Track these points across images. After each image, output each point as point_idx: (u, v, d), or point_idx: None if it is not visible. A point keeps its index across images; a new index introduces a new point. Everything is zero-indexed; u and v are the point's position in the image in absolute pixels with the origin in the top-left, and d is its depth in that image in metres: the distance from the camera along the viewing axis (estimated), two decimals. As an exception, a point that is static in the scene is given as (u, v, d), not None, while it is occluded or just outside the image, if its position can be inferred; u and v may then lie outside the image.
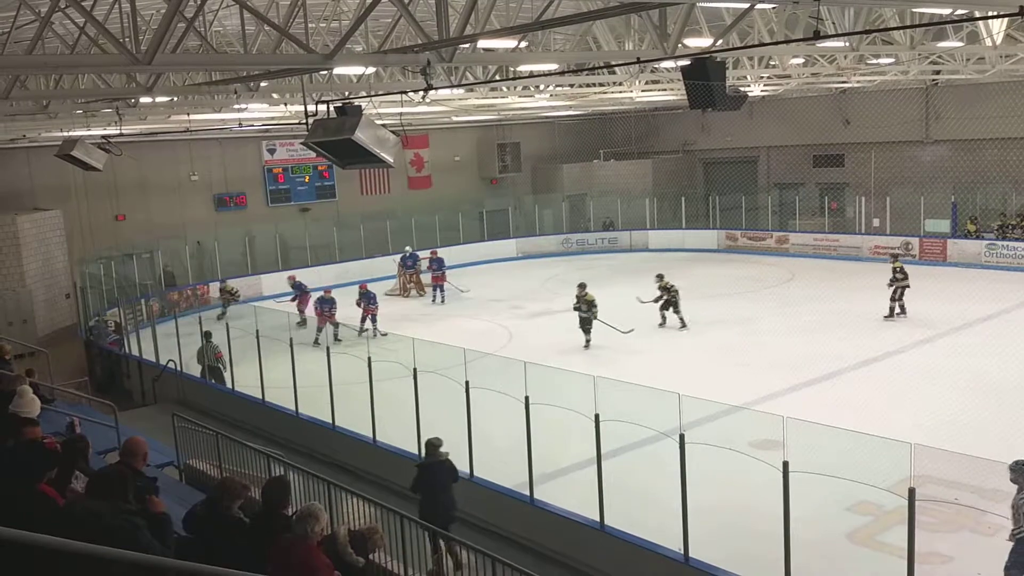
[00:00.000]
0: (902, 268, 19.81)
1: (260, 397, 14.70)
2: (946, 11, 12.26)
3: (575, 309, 18.96)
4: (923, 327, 18.14)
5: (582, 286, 19.04)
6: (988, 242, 25.38)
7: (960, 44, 16.98)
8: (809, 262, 28.09)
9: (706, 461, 8.47)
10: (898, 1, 10.04)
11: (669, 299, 19.95)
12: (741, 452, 8.21)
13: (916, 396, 13.72)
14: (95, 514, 4.30)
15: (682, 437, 8.31)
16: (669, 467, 8.43)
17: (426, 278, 25.77)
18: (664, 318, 20.01)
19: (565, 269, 29.11)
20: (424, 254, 26.55)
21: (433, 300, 24.82)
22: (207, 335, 16.82)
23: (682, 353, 17.74)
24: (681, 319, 19.84)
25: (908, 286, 19.57)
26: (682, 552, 8.44)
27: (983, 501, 9.41)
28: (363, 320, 20.79)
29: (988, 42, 16.29)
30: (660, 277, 20.31)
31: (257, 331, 14.70)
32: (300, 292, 22.61)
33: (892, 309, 19.57)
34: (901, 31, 14.86)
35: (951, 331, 17.94)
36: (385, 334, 19.68)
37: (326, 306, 20.57)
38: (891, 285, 19.70)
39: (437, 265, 25.17)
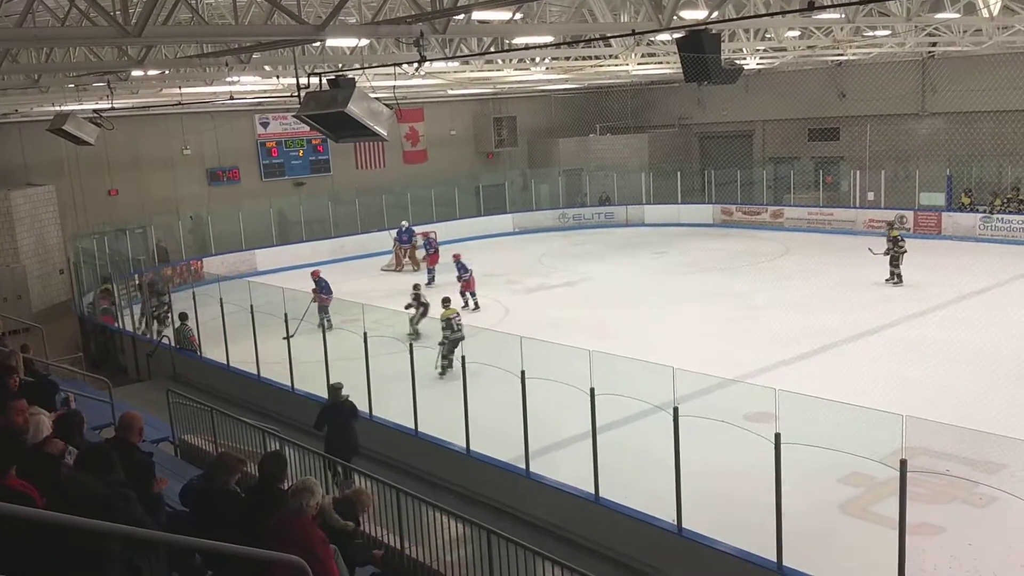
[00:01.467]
0: (901, 236, 20.39)
1: (256, 373, 14.72)
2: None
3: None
4: (917, 300, 18.20)
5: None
6: (983, 215, 25.41)
7: (957, 15, 16.88)
8: (804, 236, 28.12)
9: (700, 433, 8.52)
10: (895, -28, 9.96)
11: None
12: (734, 424, 8.25)
13: (909, 369, 13.78)
14: (86, 486, 4.31)
15: (676, 410, 8.36)
16: (663, 439, 8.48)
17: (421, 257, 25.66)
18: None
19: (562, 244, 29.12)
20: (422, 229, 26.43)
21: (429, 282, 24.58)
22: (183, 316, 16.90)
23: (678, 327, 17.77)
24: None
25: (905, 251, 20.22)
26: (675, 523, 8.52)
27: (975, 473, 9.50)
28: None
29: (985, 13, 16.19)
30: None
31: (252, 306, 14.68)
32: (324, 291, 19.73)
33: (893, 274, 20.17)
34: (898, 3, 14.76)
35: (945, 304, 18.00)
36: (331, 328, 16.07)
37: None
38: (886, 253, 20.17)
39: (430, 245, 24.97)
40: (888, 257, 20.35)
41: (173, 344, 16.94)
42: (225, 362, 15.48)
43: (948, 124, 27.98)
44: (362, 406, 12.42)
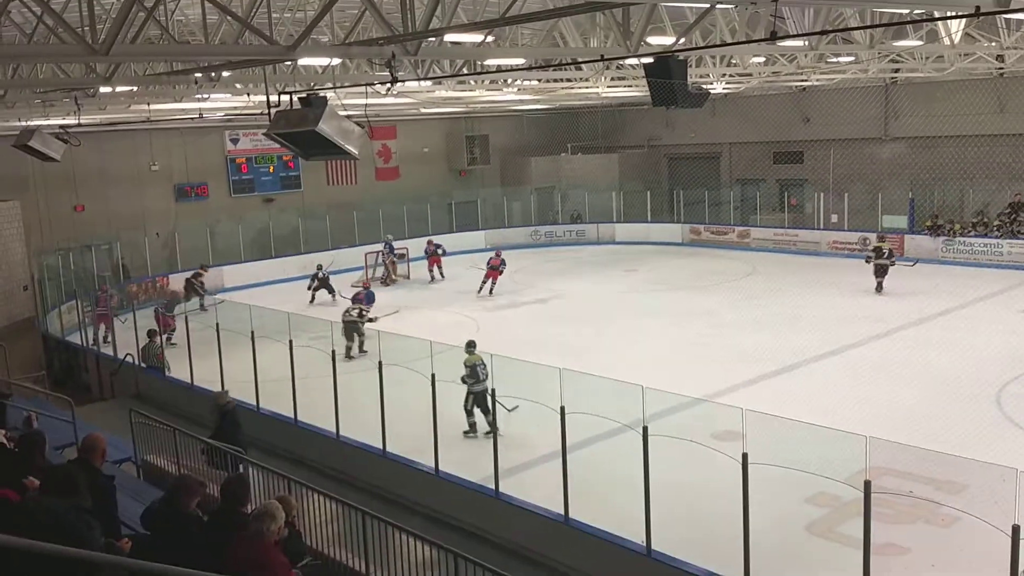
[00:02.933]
0: (889, 250, 22.16)
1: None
2: (905, 11, 12.47)
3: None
4: (880, 321, 18.46)
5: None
6: (945, 238, 25.85)
7: (919, 43, 17.27)
8: (770, 256, 28.47)
9: (669, 452, 8.56)
10: (858, 1, 10.18)
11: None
12: (702, 444, 8.30)
13: (874, 389, 13.96)
14: (50, 511, 4.24)
15: (645, 429, 8.39)
16: (633, 459, 8.51)
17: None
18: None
19: (533, 261, 29.22)
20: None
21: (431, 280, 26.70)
22: (150, 333, 16.75)
23: (647, 344, 17.87)
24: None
25: (885, 265, 21.82)
26: (644, 544, 8.53)
27: (938, 493, 9.63)
28: None
29: (947, 41, 16.58)
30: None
31: (217, 324, 14.53)
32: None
33: (880, 284, 21.70)
34: (860, 30, 15.07)
35: (908, 325, 18.28)
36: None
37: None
38: (868, 261, 22.06)
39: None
40: (874, 268, 21.77)
41: (139, 362, 16.70)
42: (190, 381, 15.30)
43: (910, 148, 28.53)
44: (329, 425, 12.35)
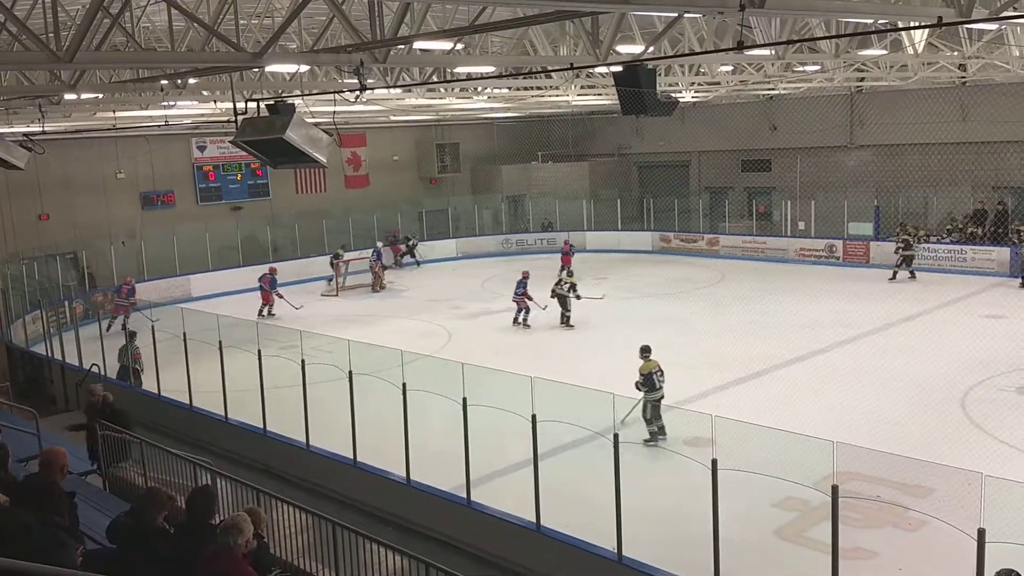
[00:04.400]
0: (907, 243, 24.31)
1: (188, 402, 14.37)
2: (870, 21, 12.67)
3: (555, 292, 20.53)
4: (848, 327, 18.68)
5: (571, 273, 21.49)
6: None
7: (884, 52, 17.55)
8: (738, 263, 28.72)
9: (640, 459, 8.59)
10: (823, 11, 10.32)
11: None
12: (672, 451, 8.36)
13: (841, 395, 14.12)
14: (25, 526, 4.13)
15: (616, 436, 8.41)
16: (604, 466, 8.52)
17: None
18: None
19: (505, 269, 29.17)
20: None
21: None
22: (131, 335, 16.47)
23: (618, 352, 17.89)
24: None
25: (912, 255, 24.13)
26: (615, 551, 8.54)
27: (905, 497, 9.75)
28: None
29: (910, 50, 16.86)
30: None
31: (184, 333, 14.36)
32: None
33: (895, 273, 24.05)
34: (826, 39, 15.29)
35: (875, 331, 18.52)
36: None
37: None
38: (896, 252, 24.34)
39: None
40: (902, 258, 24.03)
41: (120, 361, 16.41)
42: (157, 391, 15.10)
43: (875, 156, 28.98)
44: (298, 435, 12.24)
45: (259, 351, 12.79)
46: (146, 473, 9.88)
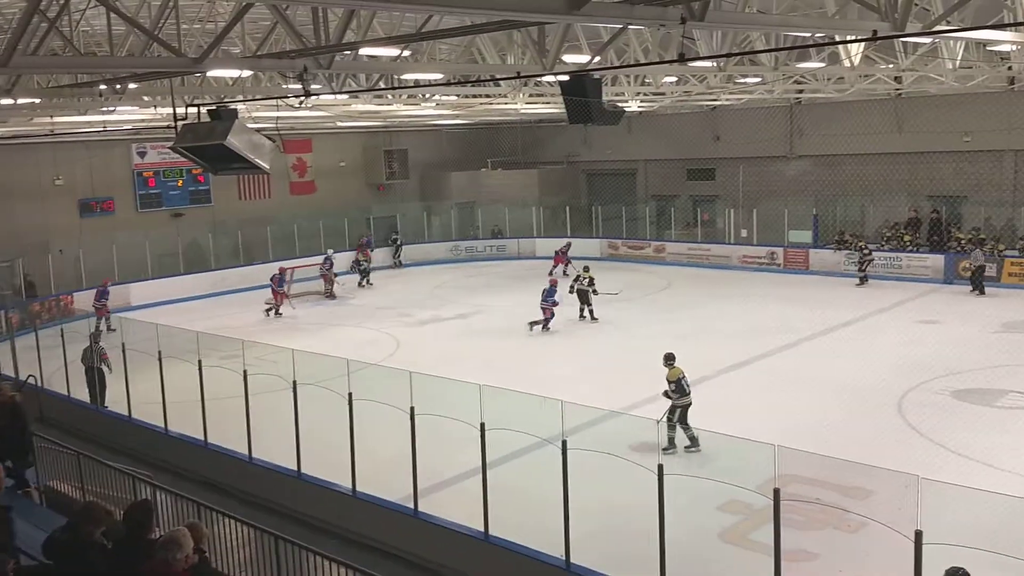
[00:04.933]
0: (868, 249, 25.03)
1: (127, 414, 14.03)
2: (808, 34, 12.98)
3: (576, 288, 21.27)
4: (789, 332, 19.04)
5: (587, 268, 21.86)
6: (847, 252, 26.86)
7: (822, 65, 17.97)
8: (684, 270, 29.12)
9: (588, 466, 8.63)
10: (763, 25, 10.55)
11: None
12: (619, 456, 8.40)
13: (783, 399, 14.38)
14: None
15: (564, 443, 8.43)
16: (552, 473, 8.54)
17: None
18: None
19: (454, 276, 29.17)
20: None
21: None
22: (94, 336, 16.09)
23: (567, 358, 18.02)
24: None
25: (872, 260, 24.91)
26: (563, 558, 8.56)
27: (845, 500, 9.95)
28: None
29: (847, 63, 17.30)
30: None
31: (123, 344, 14.03)
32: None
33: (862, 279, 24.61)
34: (766, 53, 15.61)
35: (815, 336, 18.92)
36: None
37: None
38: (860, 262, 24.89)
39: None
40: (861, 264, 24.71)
41: (85, 363, 15.90)
42: (96, 403, 14.71)
43: (814, 166, 29.66)
44: (241, 448, 12.03)
45: (199, 361, 12.54)
46: (84, 487, 9.63)
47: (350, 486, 10.58)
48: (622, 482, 9.31)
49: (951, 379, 15.26)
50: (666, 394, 12.47)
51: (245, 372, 11.84)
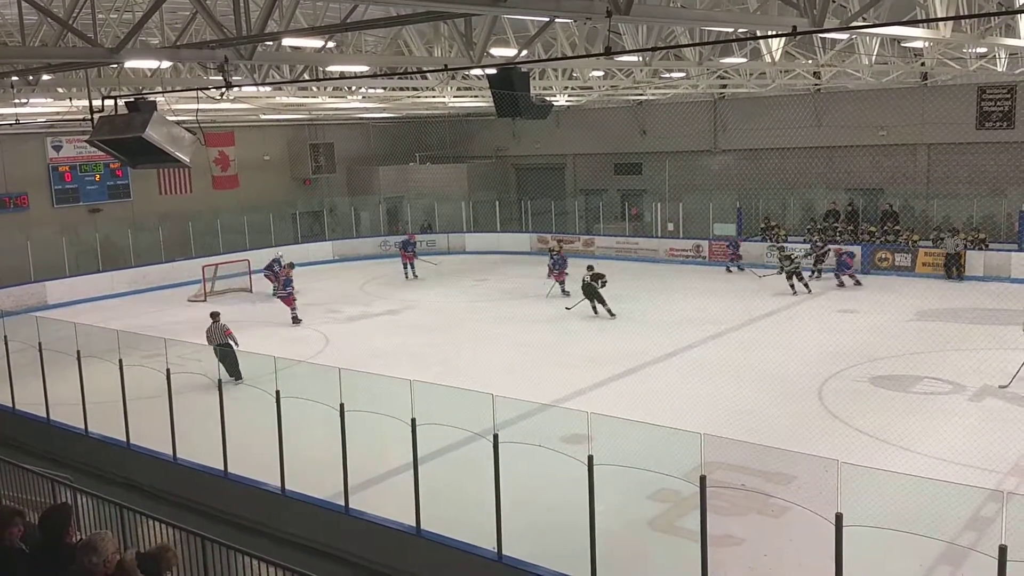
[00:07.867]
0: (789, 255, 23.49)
1: (44, 415, 13.53)
2: (730, 29, 13.26)
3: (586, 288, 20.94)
4: (714, 323, 19.45)
5: (590, 267, 21.53)
6: (770, 243, 27.55)
7: (744, 60, 18.39)
8: (613, 264, 29.32)
9: (519, 459, 8.67)
10: (687, 20, 10.72)
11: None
12: (551, 448, 8.46)
13: (709, 388, 14.69)
14: None
15: (496, 437, 8.46)
16: (484, 467, 8.56)
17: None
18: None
19: (383, 272, 28.89)
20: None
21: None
22: (215, 315, 16.71)
23: (498, 353, 18.05)
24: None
25: (796, 268, 22.99)
26: (495, 550, 8.59)
27: (768, 485, 10.22)
28: None
29: (768, 58, 17.74)
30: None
31: (40, 343, 13.52)
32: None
33: (793, 287, 22.81)
34: (691, 47, 15.89)
35: (739, 326, 19.38)
36: None
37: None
38: (779, 273, 23.22)
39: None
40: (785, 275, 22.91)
41: (211, 343, 15.34)
42: (11, 404, 14.16)
43: (737, 160, 30.35)
44: (165, 449, 11.74)
45: (120, 360, 12.16)
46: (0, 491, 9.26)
47: (279, 485, 10.42)
48: (554, 474, 9.39)
49: (869, 366, 15.81)
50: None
51: (168, 371, 11.53)
